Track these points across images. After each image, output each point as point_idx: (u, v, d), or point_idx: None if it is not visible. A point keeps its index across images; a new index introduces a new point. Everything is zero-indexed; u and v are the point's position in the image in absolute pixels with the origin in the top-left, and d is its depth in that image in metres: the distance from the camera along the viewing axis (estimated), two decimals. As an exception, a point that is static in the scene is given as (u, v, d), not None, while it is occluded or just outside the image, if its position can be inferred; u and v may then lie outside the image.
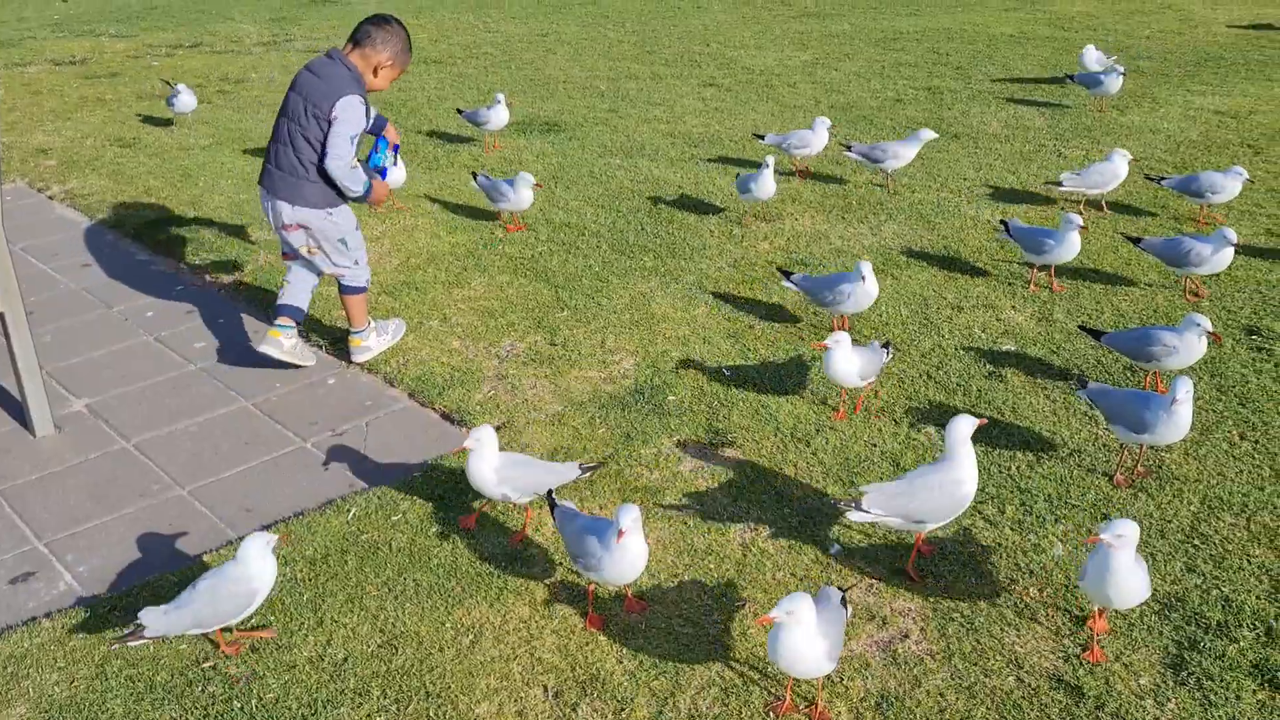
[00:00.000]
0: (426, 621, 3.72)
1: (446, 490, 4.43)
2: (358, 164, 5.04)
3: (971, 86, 10.25)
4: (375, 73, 5.04)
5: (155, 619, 3.45)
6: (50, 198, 8.13)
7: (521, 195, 6.77)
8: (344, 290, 5.37)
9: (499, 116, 8.39)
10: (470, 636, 3.65)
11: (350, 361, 5.48)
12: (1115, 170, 6.81)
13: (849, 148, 7.57)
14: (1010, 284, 6.08)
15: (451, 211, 7.44)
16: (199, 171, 8.43)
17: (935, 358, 5.34)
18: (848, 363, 4.62)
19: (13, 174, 8.63)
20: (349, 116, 4.90)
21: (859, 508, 3.77)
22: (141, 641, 3.48)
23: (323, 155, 4.95)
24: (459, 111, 8.93)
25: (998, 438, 4.64)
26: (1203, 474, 4.35)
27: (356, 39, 5.02)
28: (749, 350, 5.44)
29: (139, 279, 6.62)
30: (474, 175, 7.10)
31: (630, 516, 3.43)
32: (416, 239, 6.96)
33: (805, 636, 3.11)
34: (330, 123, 4.90)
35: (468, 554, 4.04)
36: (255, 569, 3.51)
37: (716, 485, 4.41)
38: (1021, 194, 7.45)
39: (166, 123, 9.81)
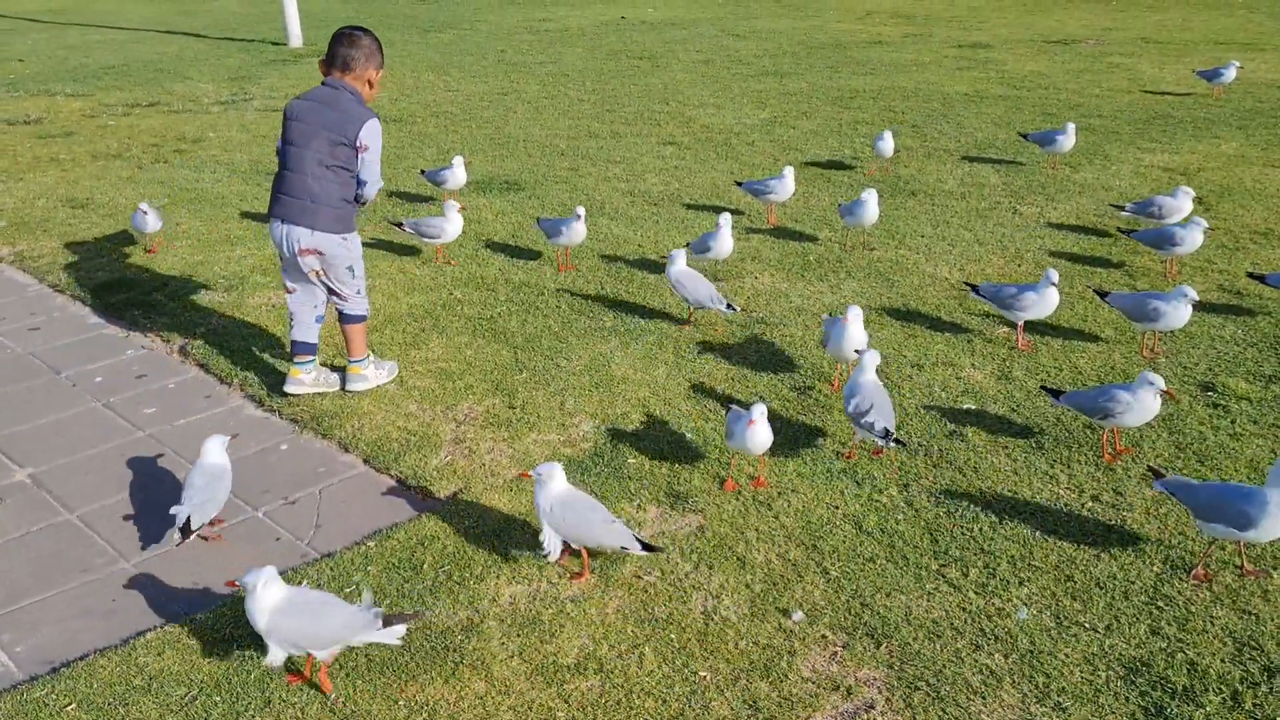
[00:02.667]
0: (379, 700, 3.60)
1: (400, 559, 4.32)
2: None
3: (927, 144, 10.38)
4: (370, 84, 5.31)
5: (195, 516, 4.27)
6: (0, 260, 7.99)
7: (574, 229, 7.01)
8: (344, 319, 5.60)
9: (457, 177, 8.40)
10: (424, 715, 3.53)
11: (344, 389, 5.65)
12: (1178, 205, 7.22)
13: (739, 184, 8.37)
14: (969, 341, 6.09)
15: (409, 272, 7.38)
16: (154, 233, 8.31)
17: (896, 417, 5.31)
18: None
19: (-39, 236, 8.48)
20: (377, 143, 5.24)
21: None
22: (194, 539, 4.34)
23: (361, 184, 5.29)
24: (421, 172, 8.93)
25: (959, 498, 4.61)
26: (1164, 533, 4.34)
27: (345, 65, 5.22)
28: (709, 412, 5.40)
29: (89, 343, 6.49)
30: (538, 220, 7.44)
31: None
32: (374, 300, 6.87)
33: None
34: (360, 150, 5.18)
35: (422, 628, 3.92)
36: (225, 462, 4.50)
37: (678, 551, 4.33)
38: (979, 250, 7.50)
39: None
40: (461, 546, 4.39)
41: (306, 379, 5.61)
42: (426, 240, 7.36)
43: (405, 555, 4.35)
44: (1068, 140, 9.04)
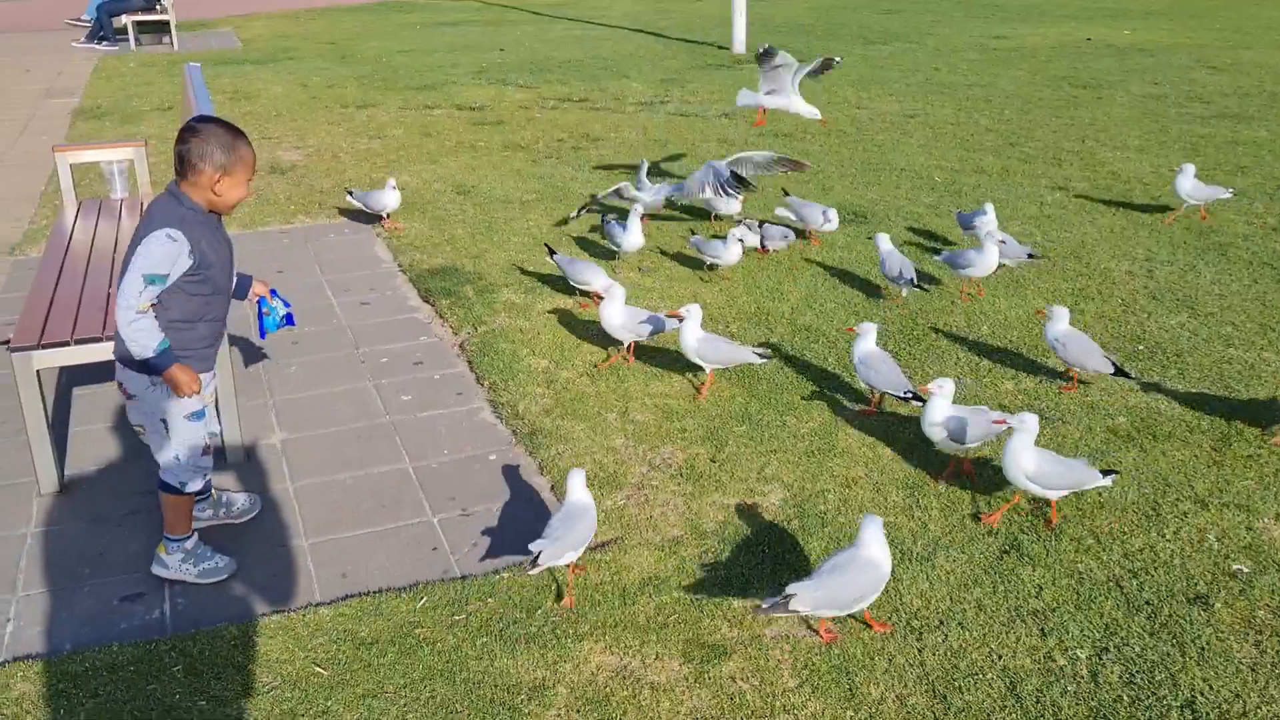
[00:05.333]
0: (413, 740, 3.59)
1: (522, 598, 4.28)
2: (149, 313, 3.91)
3: (1382, 221, 8.50)
4: (215, 192, 4.01)
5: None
6: (377, 235, 8.95)
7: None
8: (159, 483, 4.35)
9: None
10: (441, 769, 3.48)
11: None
12: None
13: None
14: (1290, 483, 4.91)
15: (701, 296, 7.26)
16: (504, 226, 8.90)
17: (1142, 558, 4.41)
18: None
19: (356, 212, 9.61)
20: (146, 253, 3.89)
21: None
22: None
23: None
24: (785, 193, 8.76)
25: (1160, 683, 3.72)
26: None
27: (178, 168, 4.03)
28: (916, 505, 4.81)
29: (397, 325, 7.09)
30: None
31: None
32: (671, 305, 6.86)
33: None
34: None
35: (497, 674, 3.86)
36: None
37: (788, 662, 3.90)
38: (1374, 368, 6.02)
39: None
40: (583, 600, 4.27)
41: (170, 561, 4.45)
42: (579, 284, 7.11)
43: (529, 595, 4.30)
44: None
